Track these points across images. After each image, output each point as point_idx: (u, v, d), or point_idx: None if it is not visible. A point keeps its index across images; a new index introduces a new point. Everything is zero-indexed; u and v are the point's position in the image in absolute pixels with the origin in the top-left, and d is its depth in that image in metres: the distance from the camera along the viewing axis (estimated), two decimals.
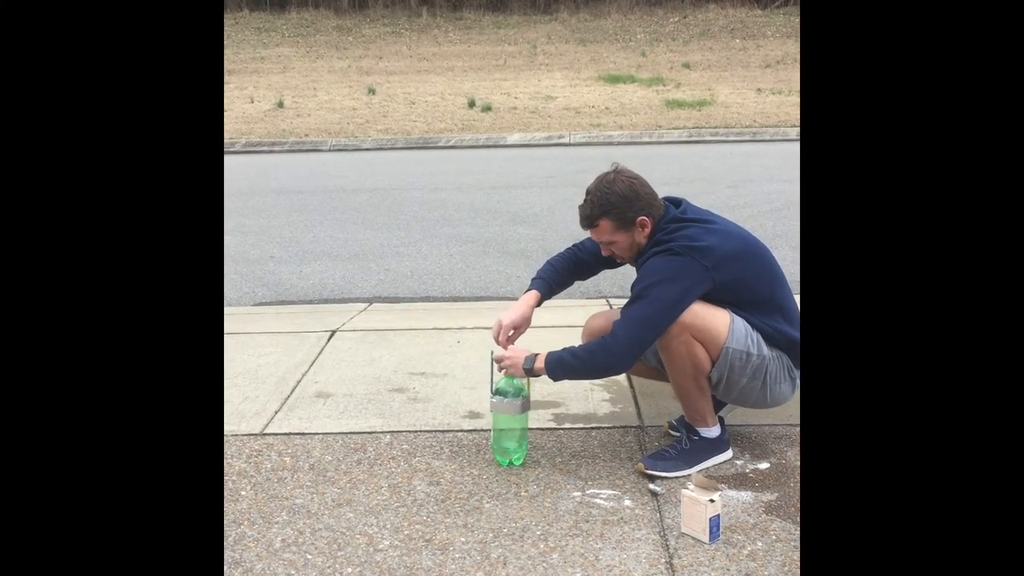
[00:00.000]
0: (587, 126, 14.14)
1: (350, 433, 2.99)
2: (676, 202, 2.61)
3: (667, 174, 9.32)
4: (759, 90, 17.04)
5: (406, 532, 2.35)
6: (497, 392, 2.67)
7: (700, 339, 2.45)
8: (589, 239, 2.84)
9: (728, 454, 2.66)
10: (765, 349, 2.51)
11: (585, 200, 2.57)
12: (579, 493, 2.52)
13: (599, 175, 2.58)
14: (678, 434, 2.79)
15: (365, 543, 2.30)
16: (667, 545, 2.24)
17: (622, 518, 2.38)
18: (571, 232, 6.77)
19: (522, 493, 2.54)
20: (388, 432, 2.99)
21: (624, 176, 2.54)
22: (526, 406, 2.67)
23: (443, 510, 2.45)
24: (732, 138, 12.69)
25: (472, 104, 16.78)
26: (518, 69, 21.33)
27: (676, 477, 2.57)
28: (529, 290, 2.82)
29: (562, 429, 2.97)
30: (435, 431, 2.99)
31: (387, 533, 2.34)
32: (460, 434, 2.96)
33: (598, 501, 2.47)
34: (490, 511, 2.44)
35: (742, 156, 11.08)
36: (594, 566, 2.16)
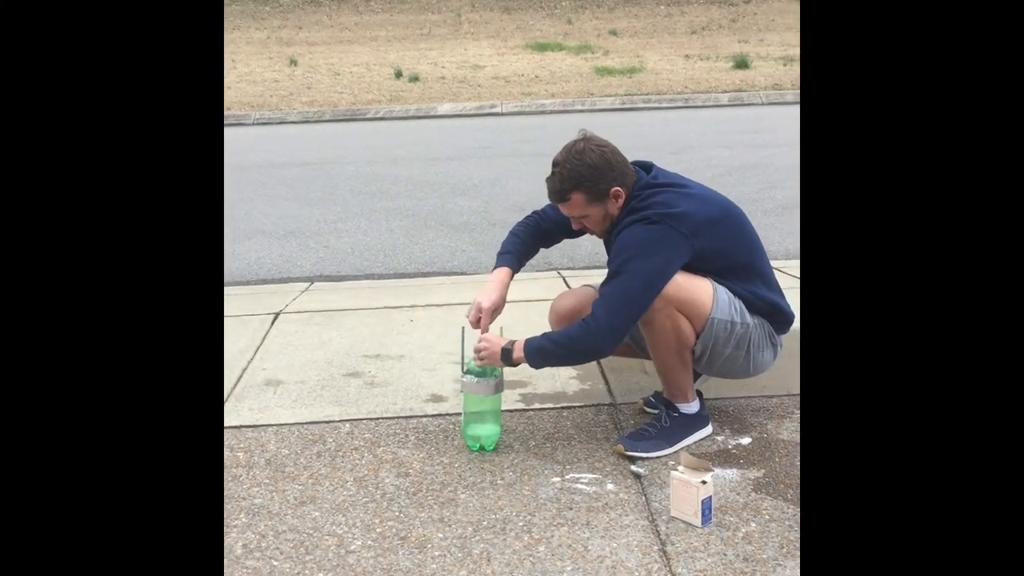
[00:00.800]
0: (518, 95, 13.95)
1: (306, 423, 2.81)
2: (646, 167, 2.48)
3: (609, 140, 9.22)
4: (687, 56, 17.05)
5: (378, 530, 2.19)
6: (468, 372, 2.51)
7: (684, 311, 2.33)
8: (550, 206, 2.69)
9: (708, 429, 2.56)
10: (748, 316, 2.41)
11: (553, 173, 2.41)
12: (558, 479, 2.39)
13: (566, 145, 2.43)
14: (655, 411, 2.68)
15: (335, 544, 2.13)
16: (658, 531, 2.13)
17: (607, 503, 2.26)
18: (515, 203, 6.63)
19: (498, 481, 2.39)
20: (347, 421, 2.82)
21: (594, 144, 2.39)
22: (499, 386, 2.52)
23: (416, 504, 2.29)
24: (665, 104, 12.66)
25: (399, 74, 16.43)
26: (443, 38, 20.97)
27: (658, 457, 2.46)
28: (498, 267, 2.66)
29: (532, 410, 2.84)
30: (397, 418, 2.83)
31: (358, 532, 2.18)
32: (425, 420, 2.80)
33: (579, 486, 2.35)
34: (466, 502, 2.29)
35: (678, 123, 11.05)
36: (584, 557, 2.03)
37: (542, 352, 2.38)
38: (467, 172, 7.99)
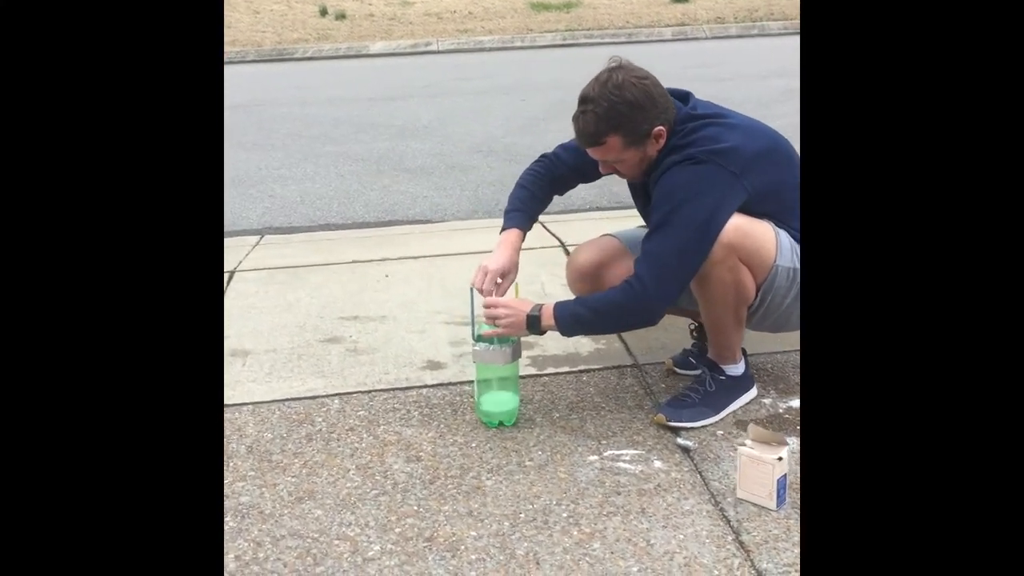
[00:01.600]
0: (454, 32, 13.37)
1: (287, 400, 2.44)
2: (682, 96, 2.13)
3: (555, 79, 8.82)
4: None
5: (397, 530, 1.85)
6: (480, 338, 2.17)
7: (747, 261, 2.01)
8: (563, 148, 2.35)
9: (753, 391, 2.27)
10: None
11: (584, 112, 2.01)
12: (596, 457, 2.08)
13: (598, 77, 2.04)
14: (690, 372, 2.38)
15: (349, 551, 1.79)
16: (726, 517, 1.84)
17: (659, 485, 1.96)
18: (472, 144, 6.24)
19: (527, 463, 2.07)
20: (335, 395, 2.46)
21: (633, 77, 2.01)
22: (516, 353, 2.19)
23: (435, 495, 1.96)
24: (608, 40, 12.25)
25: (324, 12, 15.63)
26: None
27: (703, 426, 2.16)
28: (506, 228, 2.30)
29: (546, 375, 2.51)
30: (393, 389, 2.48)
31: (373, 534, 1.84)
32: (426, 391, 2.46)
33: (622, 465, 2.04)
34: (495, 491, 1.97)
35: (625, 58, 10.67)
36: (649, 554, 1.73)
37: (578, 321, 2.06)
38: (412, 112, 7.53)
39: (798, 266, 2.06)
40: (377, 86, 9.26)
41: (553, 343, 2.68)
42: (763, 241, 2.02)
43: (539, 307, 2.10)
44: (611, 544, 1.77)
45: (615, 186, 5.07)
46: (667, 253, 1.97)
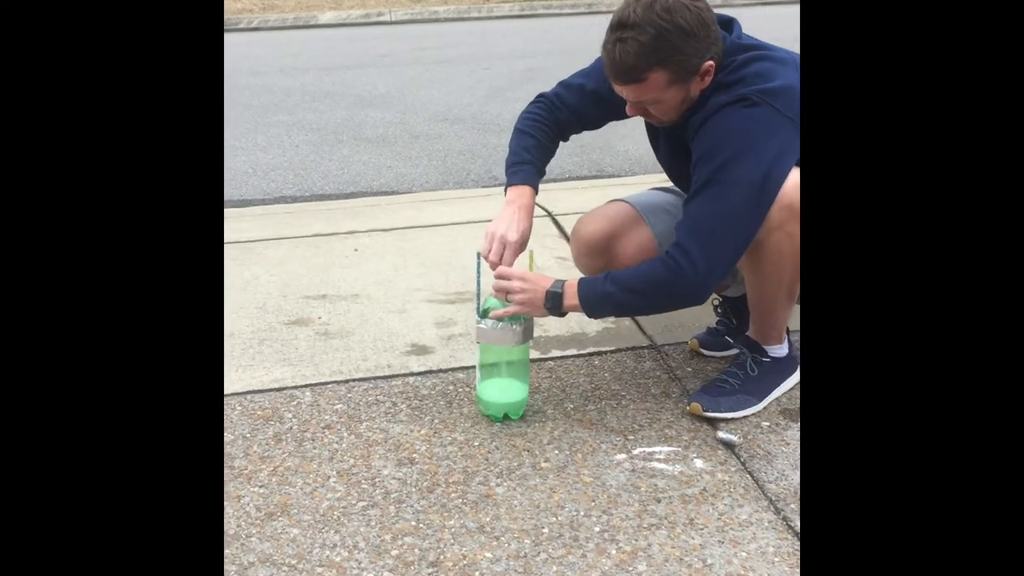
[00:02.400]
0: (407, 2, 12.89)
1: (250, 393, 2.07)
2: (725, 23, 1.76)
3: (517, 48, 8.45)
4: None
5: (394, 552, 1.51)
6: (486, 315, 1.83)
7: None
8: (565, 87, 1.98)
9: (797, 375, 1.96)
10: None
11: (624, 40, 1.61)
12: (624, 455, 1.76)
13: None
14: (725, 353, 2.08)
15: None
16: (792, 528, 1.54)
17: (705, 489, 1.64)
18: (435, 112, 5.85)
19: (542, 464, 1.74)
20: (306, 386, 2.10)
21: (685, 0, 1.63)
22: (528, 333, 1.85)
23: (437, 506, 1.62)
24: (568, 11, 11.89)
25: None
26: None
27: (746, 416, 1.85)
28: (516, 185, 1.92)
29: (551, 359, 2.18)
30: (375, 378, 2.12)
31: (365, 558, 1.50)
32: (413, 380, 2.11)
33: (657, 465, 1.72)
34: (508, 500, 1.63)
35: (586, 28, 10.29)
36: None
37: (609, 301, 1.72)
38: (369, 81, 7.10)
39: None
40: (329, 56, 8.79)
41: (555, 321, 2.34)
42: None
43: (561, 283, 1.76)
44: (660, 566, 1.45)
45: (594, 153, 4.77)
46: (718, 218, 1.63)
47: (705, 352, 2.12)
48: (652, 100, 1.68)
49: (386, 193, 4.21)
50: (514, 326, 1.81)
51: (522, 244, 1.86)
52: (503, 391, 1.88)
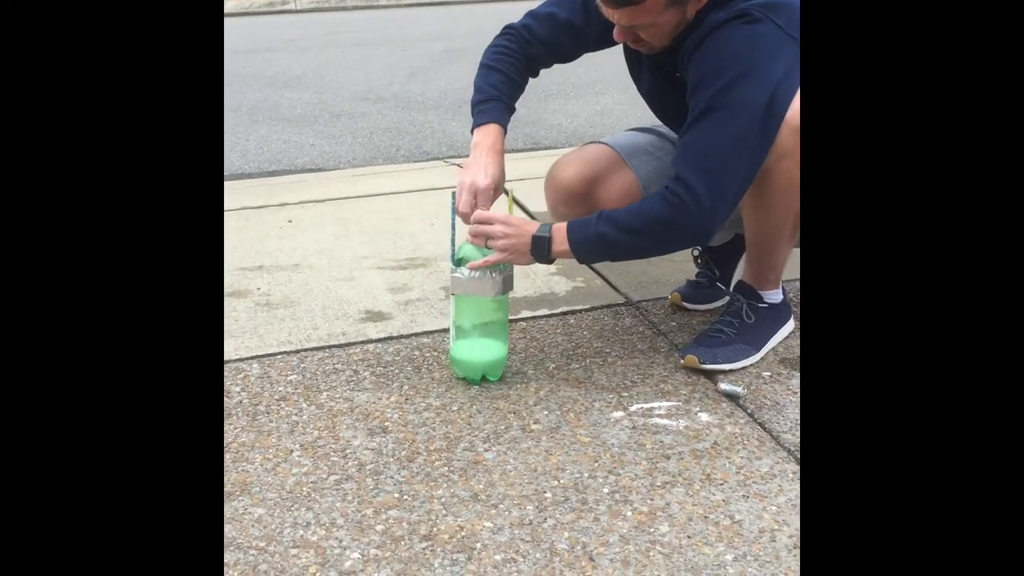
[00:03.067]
0: None
1: None
2: None
3: (432, 31, 8.24)
4: None
5: (379, 528, 1.32)
6: (461, 263, 1.64)
7: None
8: (532, 18, 1.79)
9: (791, 323, 1.84)
10: None
11: None
12: (621, 412, 1.60)
13: None
14: (710, 306, 1.94)
15: (316, 564, 1.26)
16: None
17: (716, 443, 1.50)
18: (356, 92, 5.60)
19: (532, 426, 1.57)
20: (252, 358, 1.88)
21: None
22: (508, 284, 1.68)
23: (421, 476, 1.44)
24: None
25: None
26: None
27: (744, 367, 1.72)
28: (484, 124, 1.73)
29: (522, 320, 2.01)
30: (330, 347, 1.92)
31: (346, 536, 1.30)
32: (373, 347, 1.91)
33: (659, 421, 1.57)
34: (501, 465, 1.46)
35: (500, 15, 10.16)
36: (741, 535, 1.27)
37: (604, 243, 1.56)
38: (282, 64, 6.79)
39: None
40: (235, 41, 8.40)
41: (521, 281, 2.17)
42: None
43: (548, 226, 1.60)
44: (683, 525, 1.29)
45: (528, 127, 4.60)
46: (723, 146, 1.48)
47: (688, 306, 1.98)
48: (647, 24, 1.51)
49: (312, 170, 3.97)
50: (493, 274, 1.63)
51: (495, 188, 1.69)
52: (480, 349, 1.70)
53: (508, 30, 1.81)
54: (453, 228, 1.67)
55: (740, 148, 1.49)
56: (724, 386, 1.65)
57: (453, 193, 1.68)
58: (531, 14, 1.80)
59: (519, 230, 1.58)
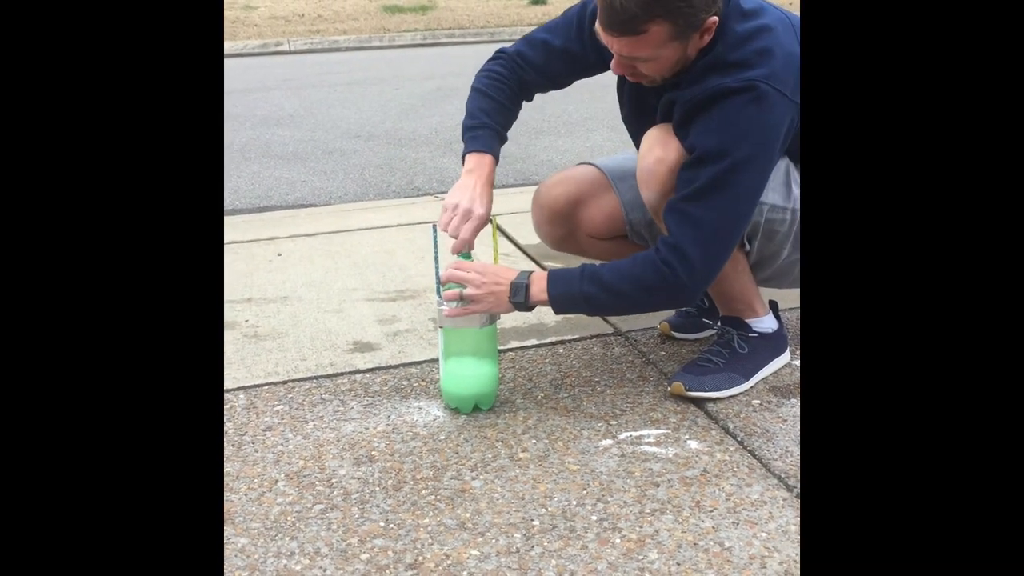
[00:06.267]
0: (305, 33, 12.64)
1: None
2: None
3: (425, 71, 8.31)
4: None
5: (364, 556, 1.30)
6: (447, 290, 1.64)
7: None
8: (527, 43, 1.79)
9: (787, 355, 1.83)
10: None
11: None
12: (609, 440, 1.59)
13: None
14: (698, 336, 1.93)
15: None
16: None
17: (706, 471, 1.48)
18: (348, 129, 5.63)
19: (520, 454, 1.56)
20: (239, 389, 1.86)
21: None
22: (495, 314, 1.67)
23: (407, 504, 1.42)
24: (471, 39, 11.82)
25: None
26: None
27: (733, 396, 1.71)
28: (474, 152, 1.73)
29: (511, 350, 2.00)
30: (317, 377, 1.90)
31: (330, 565, 1.29)
32: (360, 377, 1.90)
33: (648, 448, 1.56)
34: (488, 493, 1.44)
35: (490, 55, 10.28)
36: (731, 562, 1.26)
37: (588, 301, 1.58)
38: (274, 103, 6.83)
39: (795, 206, 1.65)
40: (230, 82, 8.44)
41: (509, 317, 2.15)
42: None
43: (527, 274, 1.60)
44: (672, 552, 1.28)
45: (517, 163, 4.63)
46: (723, 222, 1.52)
47: (677, 335, 1.97)
48: (648, 56, 1.50)
49: (303, 206, 3.97)
50: None
51: (485, 218, 1.69)
52: (471, 381, 1.68)
53: (500, 55, 1.82)
54: (436, 259, 1.67)
55: (739, 225, 1.55)
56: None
57: (434, 226, 1.68)
58: (525, 40, 1.81)
59: (496, 277, 1.59)
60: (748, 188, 1.51)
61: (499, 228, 2.96)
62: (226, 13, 14.80)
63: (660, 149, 1.58)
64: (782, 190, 1.65)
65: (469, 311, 1.61)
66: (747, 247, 1.71)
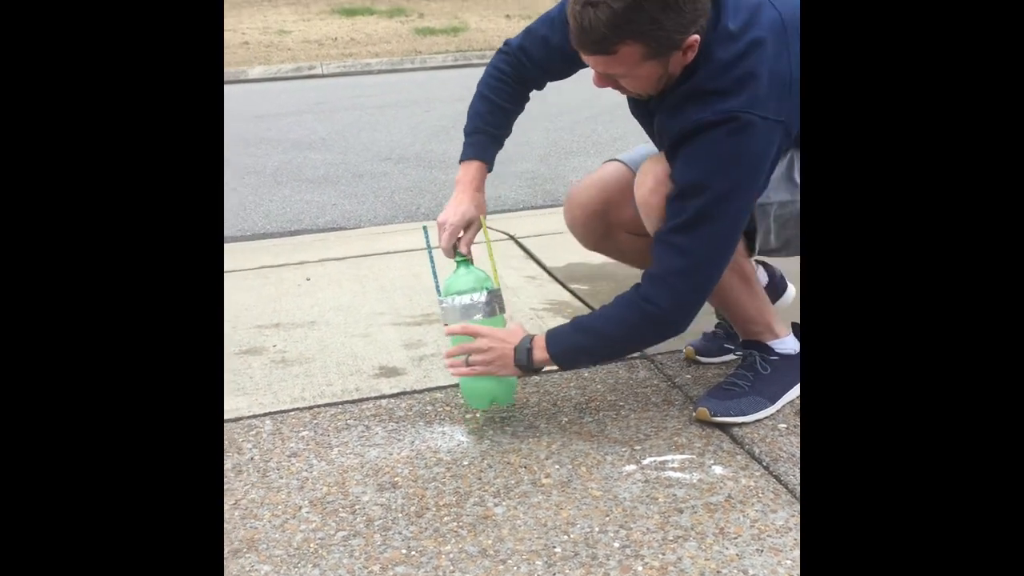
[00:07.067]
0: (338, 56, 12.80)
1: None
2: None
3: (456, 93, 8.37)
4: (508, 16, 16.41)
5: None
6: (449, 292, 1.71)
7: None
8: (527, 35, 1.79)
9: None
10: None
11: (595, 4, 1.39)
12: (633, 466, 1.58)
13: None
14: (723, 359, 1.92)
15: None
16: None
17: (731, 497, 1.47)
18: (379, 152, 5.68)
19: (543, 480, 1.55)
20: (265, 415, 1.88)
21: None
22: (498, 301, 1.73)
23: (429, 531, 1.42)
24: None
25: None
26: (238, 5, 19.21)
27: (758, 420, 1.69)
28: (463, 161, 1.80)
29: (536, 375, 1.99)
30: (343, 403, 1.91)
31: None
32: (386, 402, 1.90)
33: (672, 474, 1.55)
34: (511, 520, 1.44)
35: None
36: None
37: (581, 351, 1.64)
38: (307, 127, 6.92)
39: (793, 197, 1.64)
40: (262, 106, 8.59)
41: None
42: None
43: (529, 338, 1.63)
44: None
45: (547, 184, 4.65)
46: (710, 251, 1.54)
47: (702, 360, 1.96)
48: (623, 74, 1.51)
49: (333, 229, 4.01)
50: (479, 296, 1.66)
51: (467, 224, 1.76)
52: (485, 378, 1.70)
53: (505, 49, 1.83)
54: (432, 260, 1.72)
55: (726, 252, 1.55)
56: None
57: (425, 227, 1.73)
58: (528, 31, 1.80)
59: (502, 343, 1.63)
60: (734, 217, 1.52)
61: (525, 248, 2.97)
62: (260, 38, 15.07)
63: (652, 179, 1.60)
64: (786, 185, 1.64)
65: (477, 373, 1.66)
66: (757, 246, 1.70)
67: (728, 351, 1.93)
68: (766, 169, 1.53)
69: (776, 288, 2.01)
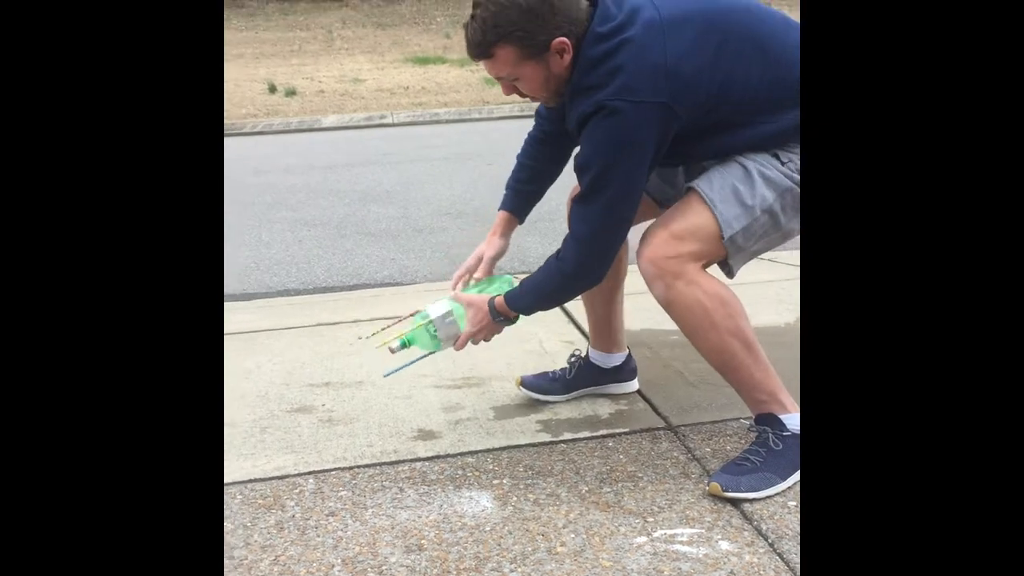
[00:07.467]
0: (408, 105, 13.18)
1: (251, 482, 1.99)
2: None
3: (519, 145, 8.56)
4: None
5: None
6: (404, 346, 2.13)
7: (701, 255, 1.79)
8: (538, 113, 2.10)
9: None
10: (765, 190, 1.79)
11: (472, 17, 1.73)
12: (644, 538, 1.67)
13: None
14: (757, 431, 2.00)
15: None
16: None
17: (733, 572, 1.55)
18: (440, 207, 5.88)
19: (558, 548, 1.65)
20: (309, 474, 2.02)
21: None
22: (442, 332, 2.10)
23: None
24: None
25: (273, 89, 15.37)
26: (316, 54, 19.93)
27: (769, 496, 1.77)
28: (498, 211, 2.18)
29: (563, 442, 2.10)
30: (380, 464, 2.04)
31: None
32: (420, 465, 2.03)
33: (680, 548, 1.63)
34: None
35: None
36: None
37: (531, 307, 1.94)
38: (373, 178, 7.17)
39: (757, 208, 1.79)
40: (333, 155, 8.93)
41: (563, 406, 2.28)
42: (696, 220, 1.79)
43: (492, 299, 1.97)
44: None
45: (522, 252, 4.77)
46: (607, 211, 1.78)
47: (528, 392, 2.32)
48: (510, 76, 1.76)
49: (390, 285, 4.18)
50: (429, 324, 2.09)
51: (471, 267, 2.14)
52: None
53: (536, 113, 2.12)
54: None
55: (620, 215, 1.79)
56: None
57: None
58: (537, 111, 2.12)
59: (479, 313, 1.98)
60: (620, 185, 1.74)
61: (565, 312, 3.08)
62: (335, 86, 15.59)
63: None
64: (734, 200, 1.79)
65: (470, 335, 2.02)
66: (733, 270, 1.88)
67: (558, 391, 2.28)
68: (646, 140, 1.71)
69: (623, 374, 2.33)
